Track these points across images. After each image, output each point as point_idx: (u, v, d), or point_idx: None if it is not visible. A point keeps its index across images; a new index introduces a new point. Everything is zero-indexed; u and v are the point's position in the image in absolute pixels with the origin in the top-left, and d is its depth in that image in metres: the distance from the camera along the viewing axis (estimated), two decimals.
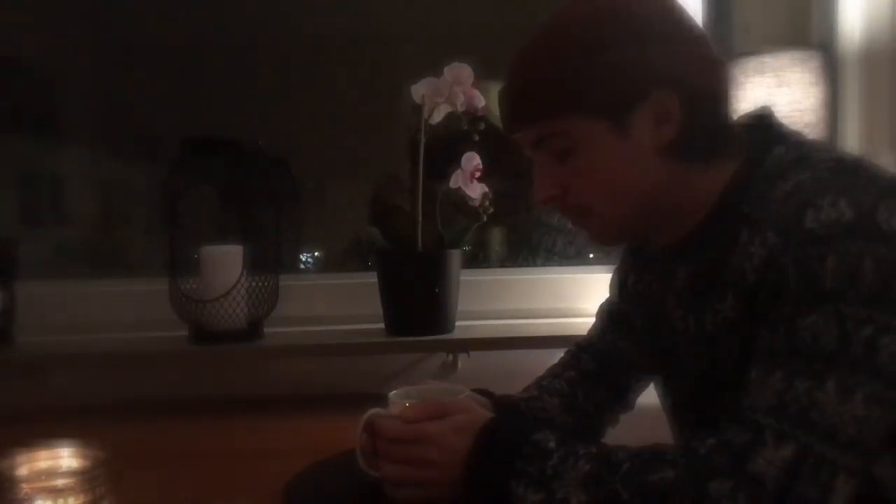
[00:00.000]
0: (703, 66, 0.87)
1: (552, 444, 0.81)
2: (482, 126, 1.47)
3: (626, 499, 0.74)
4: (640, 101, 0.85)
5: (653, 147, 0.86)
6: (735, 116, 0.92)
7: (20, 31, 1.94)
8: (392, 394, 0.93)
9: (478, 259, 1.99)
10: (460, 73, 1.44)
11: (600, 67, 0.85)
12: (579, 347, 1.18)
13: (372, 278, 1.54)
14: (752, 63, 1.55)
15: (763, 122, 0.91)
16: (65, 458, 0.80)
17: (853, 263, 0.72)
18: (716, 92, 0.89)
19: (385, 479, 0.88)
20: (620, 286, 1.12)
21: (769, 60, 1.54)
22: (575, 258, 1.93)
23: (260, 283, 1.50)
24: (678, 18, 0.88)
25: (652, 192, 0.88)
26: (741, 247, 0.81)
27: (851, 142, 1.65)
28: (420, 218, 1.49)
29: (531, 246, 2.01)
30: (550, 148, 0.89)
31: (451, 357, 1.63)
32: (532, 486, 0.79)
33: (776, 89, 1.53)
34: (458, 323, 1.56)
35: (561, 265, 1.89)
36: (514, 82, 0.91)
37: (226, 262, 1.47)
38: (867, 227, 0.73)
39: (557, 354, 1.19)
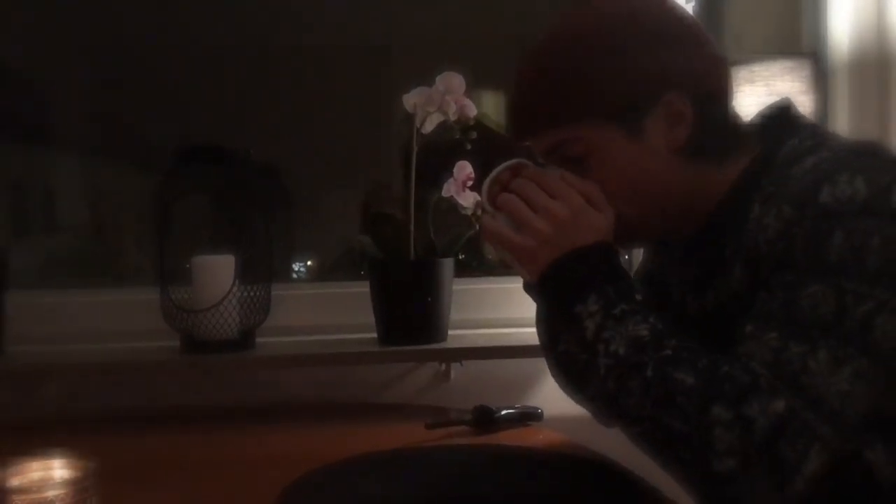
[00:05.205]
0: (710, 65, 0.89)
1: (638, 296, 0.84)
2: (474, 135, 1.48)
3: (649, 377, 0.77)
4: (652, 105, 0.86)
5: (667, 149, 0.87)
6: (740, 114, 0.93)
7: (11, 39, 1.93)
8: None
9: (471, 267, 1.99)
10: (452, 81, 1.45)
11: (612, 73, 0.86)
12: None
13: (364, 287, 1.54)
14: (742, 72, 1.56)
15: (781, 115, 0.92)
16: (56, 469, 0.79)
17: (861, 240, 0.73)
18: (723, 89, 0.90)
19: (499, 210, 0.88)
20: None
21: (759, 69, 1.55)
22: None
23: (252, 293, 1.49)
24: (682, 19, 0.90)
25: (668, 192, 0.89)
26: (753, 220, 0.82)
27: None
28: (412, 226, 1.49)
29: None
30: (565, 154, 0.90)
31: (444, 366, 1.62)
32: (601, 308, 0.82)
33: (767, 98, 1.53)
34: (451, 332, 1.56)
35: None
36: (525, 90, 0.91)
37: (217, 271, 1.46)
38: (880, 205, 0.74)
39: None
